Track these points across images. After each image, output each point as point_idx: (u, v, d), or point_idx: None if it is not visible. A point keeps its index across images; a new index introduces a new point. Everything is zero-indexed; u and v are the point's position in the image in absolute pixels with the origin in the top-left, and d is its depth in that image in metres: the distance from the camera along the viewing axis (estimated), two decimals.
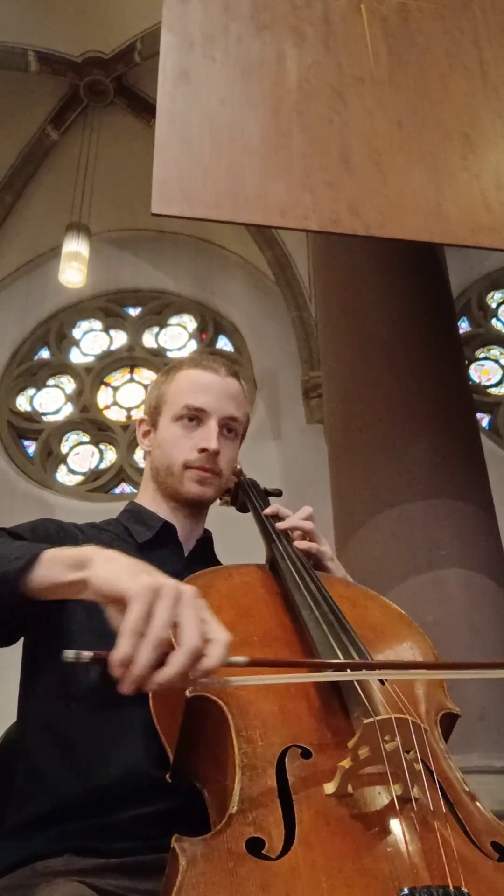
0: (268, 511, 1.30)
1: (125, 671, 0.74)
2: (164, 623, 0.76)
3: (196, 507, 1.31)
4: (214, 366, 1.33)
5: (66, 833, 0.96)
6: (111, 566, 0.83)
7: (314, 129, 2.21)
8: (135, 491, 6.98)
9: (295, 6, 2.46)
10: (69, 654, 0.76)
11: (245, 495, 1.39)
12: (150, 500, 1.32)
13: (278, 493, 1.46)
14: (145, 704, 0.98)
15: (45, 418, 7.69)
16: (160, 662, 0.75)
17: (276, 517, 1.30)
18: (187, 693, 0.85)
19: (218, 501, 1.38)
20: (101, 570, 0.83)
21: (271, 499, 1.40)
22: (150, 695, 0.99)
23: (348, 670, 0.87)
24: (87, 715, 1.04)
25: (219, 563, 1.31)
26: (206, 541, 1.34)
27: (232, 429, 1.31)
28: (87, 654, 0.76)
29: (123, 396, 7.85)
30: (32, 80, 7.06)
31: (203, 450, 1.25)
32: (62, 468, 7.38)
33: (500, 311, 7.93)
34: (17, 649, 1.18)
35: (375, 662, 0.92)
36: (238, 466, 1.41)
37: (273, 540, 1.22)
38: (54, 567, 0.87)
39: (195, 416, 1.28)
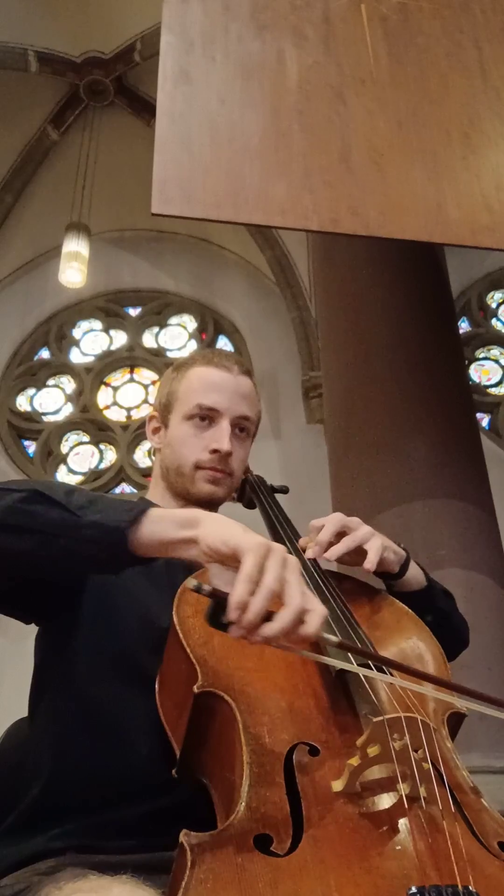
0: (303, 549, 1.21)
1: (240, 615, 0.78)
2: (276, 577, 0.80)
3: (206, 506, 1.27)
4: (227, 364, 1.31)
5: (69, 831, 0.96)
6: (221, 524, 0.86)
7: (314, 129, 2.21)
8: (135, 491, 6.99)
9: (295, 6, 2.46)
10: (191, 582, 0.81)
11: (252, 492, 1.39)
12: (159, 497, 1.30)
13: (285, 490, 1.46)
14: (150, 699, 0.99)
15: (45, 418, 7.68)
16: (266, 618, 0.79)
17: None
18: (195, 689, 0.85)
19: None
20: (211, 527, 0.85)
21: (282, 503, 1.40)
22: (157, 690, 0.99)
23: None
24: (92, 709, 1.04)
25: None
26: None
27: (244, 428, 1.29)
28: (207, 588, 0.79)
29: (123, 396, 7.84)
30: (32, 80, 7.06)
31: (215, 451, 1.23)
32: (62, 468, 7.36)
33: (500, 311, 7.92)
34: (19, 648, 1.18)
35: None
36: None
37: (280, 537, 1.22)
38: (163, 523, 0.88)
39: (207, 416, 1.26)
